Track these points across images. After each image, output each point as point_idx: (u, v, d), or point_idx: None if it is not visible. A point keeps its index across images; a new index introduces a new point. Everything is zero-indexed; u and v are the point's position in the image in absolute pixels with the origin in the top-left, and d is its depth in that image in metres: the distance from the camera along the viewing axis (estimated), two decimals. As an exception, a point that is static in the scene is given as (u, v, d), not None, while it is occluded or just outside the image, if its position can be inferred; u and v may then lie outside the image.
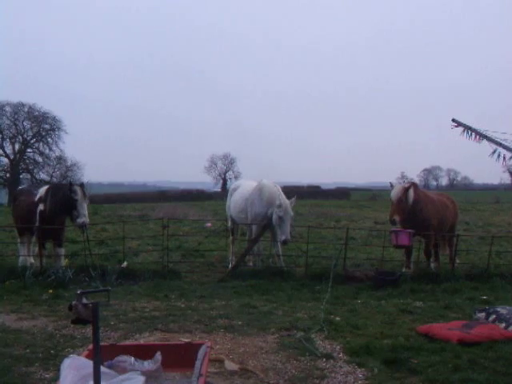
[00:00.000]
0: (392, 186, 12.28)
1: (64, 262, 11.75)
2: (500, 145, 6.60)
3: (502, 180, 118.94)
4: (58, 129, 61.68)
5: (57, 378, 5.04)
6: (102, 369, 4.08)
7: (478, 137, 6.83)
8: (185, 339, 6.30)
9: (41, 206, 11.55)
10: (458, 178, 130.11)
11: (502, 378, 5.81)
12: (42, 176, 61.17)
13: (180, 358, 5.02)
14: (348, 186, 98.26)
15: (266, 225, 12.11)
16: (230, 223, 13.75)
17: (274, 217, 11.68)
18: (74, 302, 3.80)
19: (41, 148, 62.54)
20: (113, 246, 15.60)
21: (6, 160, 60.74)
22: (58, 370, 4.69)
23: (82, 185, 11.67)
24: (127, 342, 6.75)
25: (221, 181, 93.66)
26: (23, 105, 60.04)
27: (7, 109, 59.46)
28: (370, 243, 17.06)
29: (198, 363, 4.60)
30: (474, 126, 6.96)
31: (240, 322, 8.05)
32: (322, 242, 16.18)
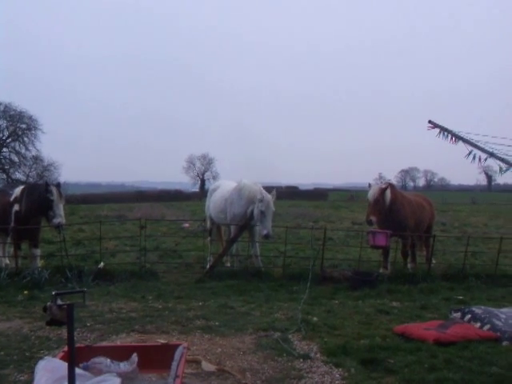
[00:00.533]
0: (370, 186, 12.35)
1: (40, 262, 11.64)
2: (475, 146, 6.64)
3: (478, 181, 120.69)
4: (35, 128, 61.02)
5: (31, 380, 4.99)
6: (77, 371, 4.05)
7: (453, 138, 6.87)
8: (162, 340, 6.28)
9: (16, 207, 11.42)
10: (435, 179, 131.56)
11: (477, 377, 5.86)
12: (18, 176, 60.47)
13: (156, 359, 5.00)
14: (326, 186, 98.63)
15: (245, 225, 12.10)
16: (208, 224, 13.73)
17: (256, 212, 11.66)
18: (48, 304, 3.77)
19: (17, 147, 61.81)
20: (90, 246, 15.49)
21: (-19, 160, 60.05)
22: (33, 372, 4.65)
23: (58, 185, 11.57)
24: (103, 344, 6.70)
25: (199, 181, 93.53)
26: (-1, 104, 59.39)
27: (-18, 108, 58.78)
28: (347, 244, 17.16)
29: (174, 364, 4.59)
30: (450, 128, 7.03)
31: (217, 323, 8.03)
32: (300, 242, 16.23)
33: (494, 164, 6.52)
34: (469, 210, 44.01)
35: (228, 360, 6.42)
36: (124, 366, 4.72)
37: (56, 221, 11.01)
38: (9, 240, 11.99)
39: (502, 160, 6.41)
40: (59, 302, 3.77)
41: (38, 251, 11.77)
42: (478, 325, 7.75)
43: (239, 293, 10.16)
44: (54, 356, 5.06)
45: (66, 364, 3.96)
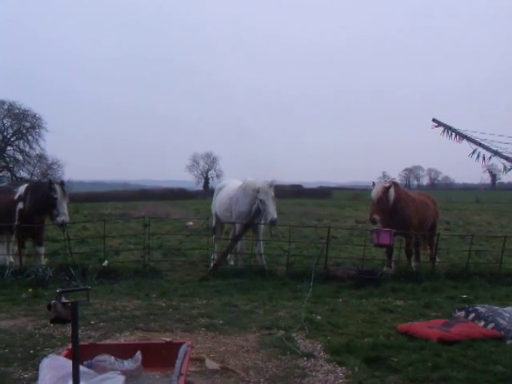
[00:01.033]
0: (374, 185, 12.34)
1: (44, 260, 11.66)
2: (480, 145, 6.64)
3: (483, 180, 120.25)
4: (39, 126, 61.22)
5: (36, 378, 5.01)
6: (82, 368, 4.06)
7: (458, 137, 6.86)
8: (165, 338, 6.28)
9: (20, 205, 11.45)
10: (439, 178, 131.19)
11: (481, 375, 5.86)
12: (23, 174, 60.69)
13: (160, 357, 5.01)
14: (330, 185, 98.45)
15: (249, 224, 12.11)
16: (214, 222, 13.77)
17: (258, 203, 11.74)
18: (53, 301, 3.78)
19: (21, 146, 62.04)
20: (94, 244, 15.49)
21: (-15, 158, 60.19)
22: (37, 369, 4.67)
23: (61, 183, 11.59)
24: (107, 341, 6.71)
25: (203, 180, 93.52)
26: (3, 102, 59.51)
27: (-14, 107, 58.93)
28: (351, 242, 17.13)
29: (178, 362, 4.59)
30: (453, 126, 7.02)
31: (221, 321, 8.03)
32: (304, 241, 16.21)
33: (498, 163, 6.52)
34: (473, 208, 43.93)
35: (232, 358, 6.43)
36: (128, 364, 4.72)
37: (60, 219, 11.02)
38: (13, 238, 12.03)
39: (507, 158, 6.41)
40: (63, 299, 3.78)
41: (42, 249, 11.79)
42: (482, 323, 7.74)
43: (243, 291, 10.17)
44: (59, 354, 5.07)
45: (71, 362, 3.97)
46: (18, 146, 62.13)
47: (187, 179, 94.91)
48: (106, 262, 11.67)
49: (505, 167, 6.43)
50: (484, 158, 6.67)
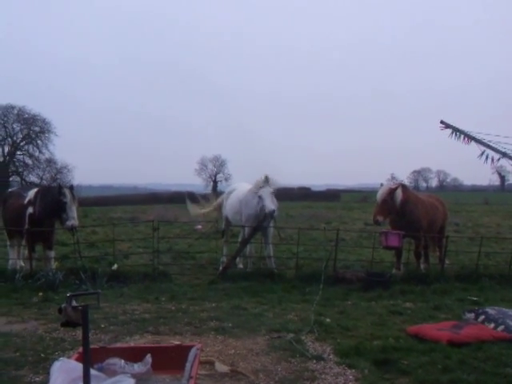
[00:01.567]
0: (382, 186, 12.36)
1: (54, 264, 11.70)
2: (488, 146, 6.63)
3: (491, 181, 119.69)
4: (48, 131, 61.58)
5: (47, 381, 5.02)
6: (92, 372, 4.08)
7: (466, 139, 6.86)
8: (175, 341, 6.30)
9: (30, 209, 11.51)
10: (448, 180, 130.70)
11: (491, 378, 5.85)
12: (32, 178, 61.00)
13: (170, 360, 5.02)
14: (338, 187, 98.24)
15: (258, 226, 12.13)
16: (223, 225, 13.81)
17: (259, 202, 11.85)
18: (63, 305, 3.80)
19: (30, 150, 62.46)
20: (103, 248, 15.55)
21: (-5, 162, 60.52)
22: (48, 373, 4.69)
23: (71, 187, 11.64)
24: (117, 345, 6.74)
25: (211, 183, 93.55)
26: (13, 107, 59.93)
27: (-4, 111, 59.28)
28: (360, 245, 17.11)
29: (188, 365, 4.60)
30: (462, 127, 7.01)
31: (230, 324, 8.05)
32: (313, 243, 16.20)
33: (507, 164, 6.51)
34: (482, 210, 43.72)
35: (241, 361, 6.44)
36: (138, 367, 4.74)
37: (69, 223, 11.07)
38: (23, 242, 12.09)
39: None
40: (74, 303, 3.80)
41: (52, 253, 11.85)
42: (492, 326, 7.72)
43: (252, 294, 10.18)
44: (69, 357, 5.10)
45: (81, 365, 3.99)
46: (27, 151, 62.53)
47: (196, 183, 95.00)
48: (115, 266, 11.71)
49: (514, 168, 6.43)
50: (493, 160, 6.67)
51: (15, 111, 60.10)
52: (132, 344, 6.94)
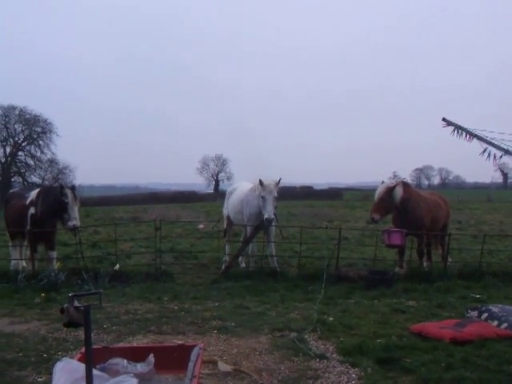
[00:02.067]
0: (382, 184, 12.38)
1: (56, 265, 11.71)
2: (490, 144, 6.63)
3: (494, 179, 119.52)
4: (50, 131, 61.48)
5: (49, 381, 5.02)
6: (95, 372, 4.08)
7: (468, 136, 6.86)
8: (178, 341, 6.29)
9: (32, 210, 11.52)
10: (450, 177, 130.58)
11: (494, 375, 5.83)
12: (34, 179, 60.97)
13: (173, 359, 5.02)
14: (340, 186, 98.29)
15: (260, 225, 12.12)
16: (225, 224, 13.82)
17: (259, 200, 11.79)
18: (65, 305, 3.80)
19: (32, 151, 62.33)
20: (105, 248, 15.56)
21: (-3, 163, 60.57)
22: (51, 373, 4.69)
23: (72, 188, 11.65)
24: (120, 345, 6.73)
25: (213, 182, 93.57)
26: (14, 107, 59.84)
27: (-2, 112, 59.29)
28: (362, 243, 17.10)
29: (191, 365, 4.60)
30: (465, 126, 7.00)
31: (233, 323, 8.04)
32: (315, 242, 16.20)
33: (509, 161, 6.51)
34: (484, 207, 43.67)
35: (244, 360, 6.44)
36: (141, 367, 4.73)
37: (71, 223, 11.08)
38: (25, 243, 12.11)
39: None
40: (76, 303, 3.80)
41: (54, 253, 11.87)
42: (495, 323, 7.70)
43: (255, 293, 10.17)
44: (72, 357, 5.09)
45: (84, 365, 3.99)
46: (29, 151, 62.46)
47: (197, 182, 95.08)
48: (117, 266, 11.71)
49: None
50: (495, 157, 6.66)
51: (17, 112, 60.03)
52: (135, 344, 6.94)
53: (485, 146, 6.68)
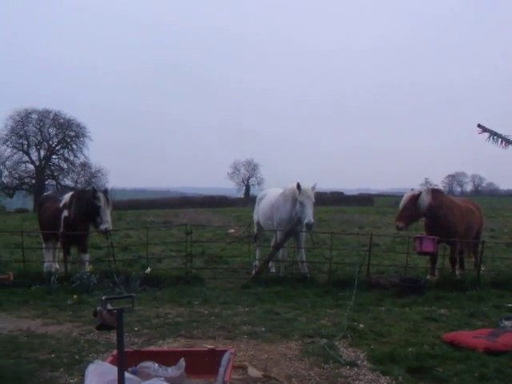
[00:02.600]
0: (412, 191, 12.33)
1: (88, 267, 11.83)
2: (527, 151, 6.52)
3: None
4: (83, 135, 62.43)
5: (81, 383, 5.08)
6: (126, 375, 4.11)
7: (503, 143, 6.76)
8: (208, 345, 6.30)
9: (65, 212, 11.66)
10: (483, 184, 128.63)
11: (529, 387, 5.72)
12: (67, 182, 61.90)
13: (203, 364, 5.02)
14: (371, 192, 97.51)
15: (290, 231, 12.10)
16: (255, 229, 13.84)
17: (297, 205, 11.71)
18: (98, 308, 3.83)
19: (66, 154, 63.42)
20: (136, 252, 15.67)
21: (31, 167, 61.58)
22: (83, 375, 4.73)
23: (105, 191, 11.77)
24: (151, 348, 6.77)
25: (244, 187, 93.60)
26: (49, 112, 60.86)
27: (33, 116, 60.36)
28: (393, 250, 16.94)
29: (221, 370, 4.60)
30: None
31: (263, 329, 8.03)
32: (346, 248, 16.11)
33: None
34: (519, 215, 42.95)
35: (274, 366, 6.42)
36: (172, 371, 4.75)
37: (103, 226, 11.18)
38: (58, 245, 12.26)
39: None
40: (109, 306, 3.83)
41: (87, 256, 11.99)
42: (530, 334, 7.56)
43: (285, 299, 10.15)
44: (104, 360, 5.14)
45: (116, 368, 4.02)
46: (62, 155, 63.52)
47: (228, 186, 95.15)
48: (148, 269, 11.78)
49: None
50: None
51: (51, 116, 61.05)
52: (165, 348, 6.97)
53: (521, 153, 6.57)
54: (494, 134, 6.77)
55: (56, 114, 61.10)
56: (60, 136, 62.32)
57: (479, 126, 6.91)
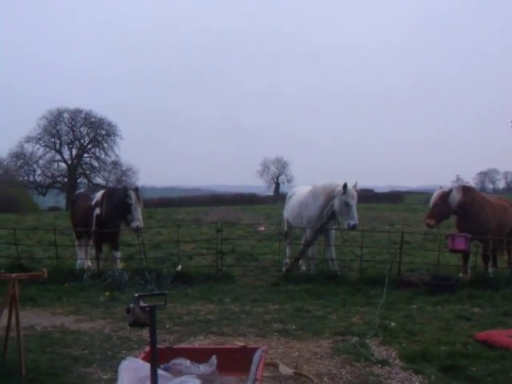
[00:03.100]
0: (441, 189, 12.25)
1: (120, 265, 11.96)
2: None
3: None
4: (114, 134, 62.86)
5: (114, 379, 5.14)
6: (159, 371, 4.13)
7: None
8: (239, 343, 6.32)
9: (97, 210, 11.80)
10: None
11: None
12: (98, 180, 62.49)
13: (235, 361, 5.03)
14: (401, 189, 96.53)
15: (320, 228, 12.06)
16: (285, 227, 13.84)
17: (339, 203, 11.61)
18: (131, 305, 3.86)
19: (97, 153, 63.92)
20: (167, 249, 15.75)
21: (64, 165, 62.34)
22: (115, 371, 4.79)
23: (136, 189, 11.89)
24: (183, 345, 6.81)
25: (273, 185, 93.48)
26: (80, 111, 61.49)
27: (65, 115, 61.00)
28: (425, 248, 16.78)
29: (253, 367, 4.60)
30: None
31: (294, 327, 8.03)
32: (376, 246, 16.01)
33: None
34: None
35: (305, 364, 6.42)
36: (204, 368, 4.77)
37: (134, 224, 11.29)
38: (91, 242, 12.40)
39: None
40: (142, 303, 3.86)
41: (119, 254, 12.12)
42: None
43: (315, 296, 10.13)
44: (136, 356, 5.18)
45: (148, 364, 4.05)
46: (94, 153, 64.09)
47: (258, 184, 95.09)
48: (179, 267, 11.84)
49: None
50: None
51: (83, 115, 61.70)
52: (197, 345, 7.01)
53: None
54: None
55: (87, 113, 61.73)
56: (91, 135, 62.93)
57: (513, 122, 6.81)
